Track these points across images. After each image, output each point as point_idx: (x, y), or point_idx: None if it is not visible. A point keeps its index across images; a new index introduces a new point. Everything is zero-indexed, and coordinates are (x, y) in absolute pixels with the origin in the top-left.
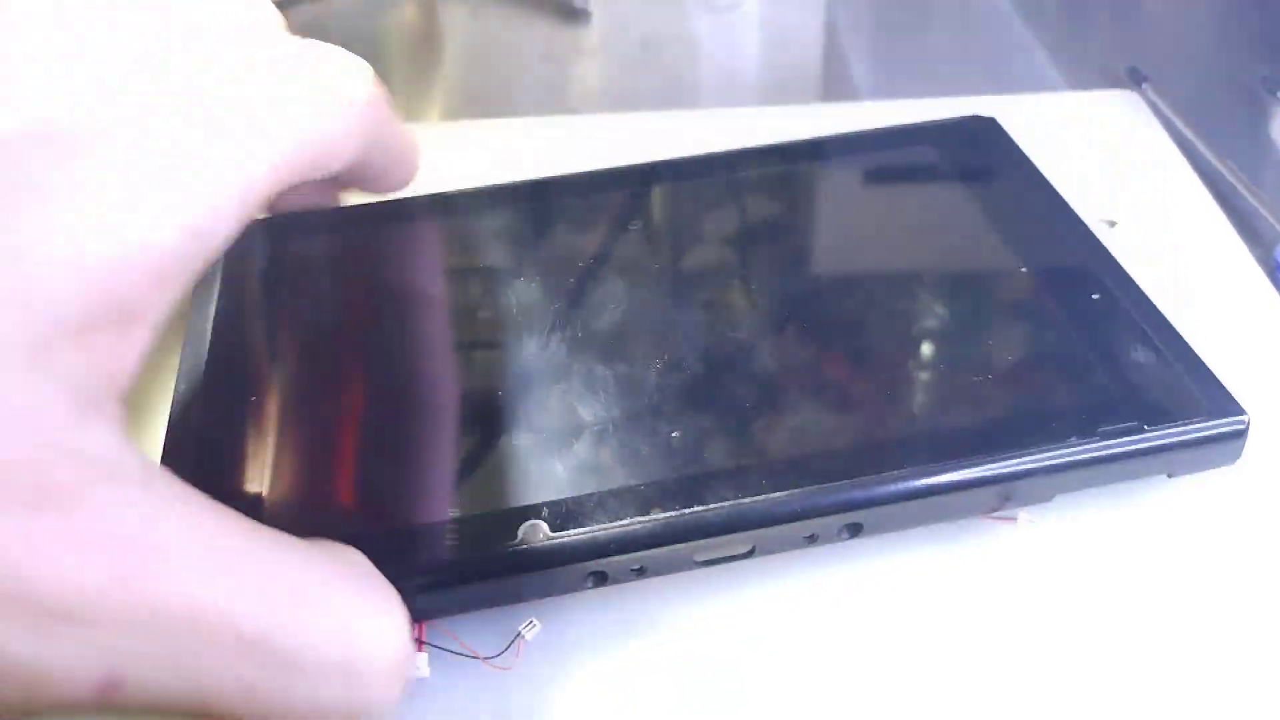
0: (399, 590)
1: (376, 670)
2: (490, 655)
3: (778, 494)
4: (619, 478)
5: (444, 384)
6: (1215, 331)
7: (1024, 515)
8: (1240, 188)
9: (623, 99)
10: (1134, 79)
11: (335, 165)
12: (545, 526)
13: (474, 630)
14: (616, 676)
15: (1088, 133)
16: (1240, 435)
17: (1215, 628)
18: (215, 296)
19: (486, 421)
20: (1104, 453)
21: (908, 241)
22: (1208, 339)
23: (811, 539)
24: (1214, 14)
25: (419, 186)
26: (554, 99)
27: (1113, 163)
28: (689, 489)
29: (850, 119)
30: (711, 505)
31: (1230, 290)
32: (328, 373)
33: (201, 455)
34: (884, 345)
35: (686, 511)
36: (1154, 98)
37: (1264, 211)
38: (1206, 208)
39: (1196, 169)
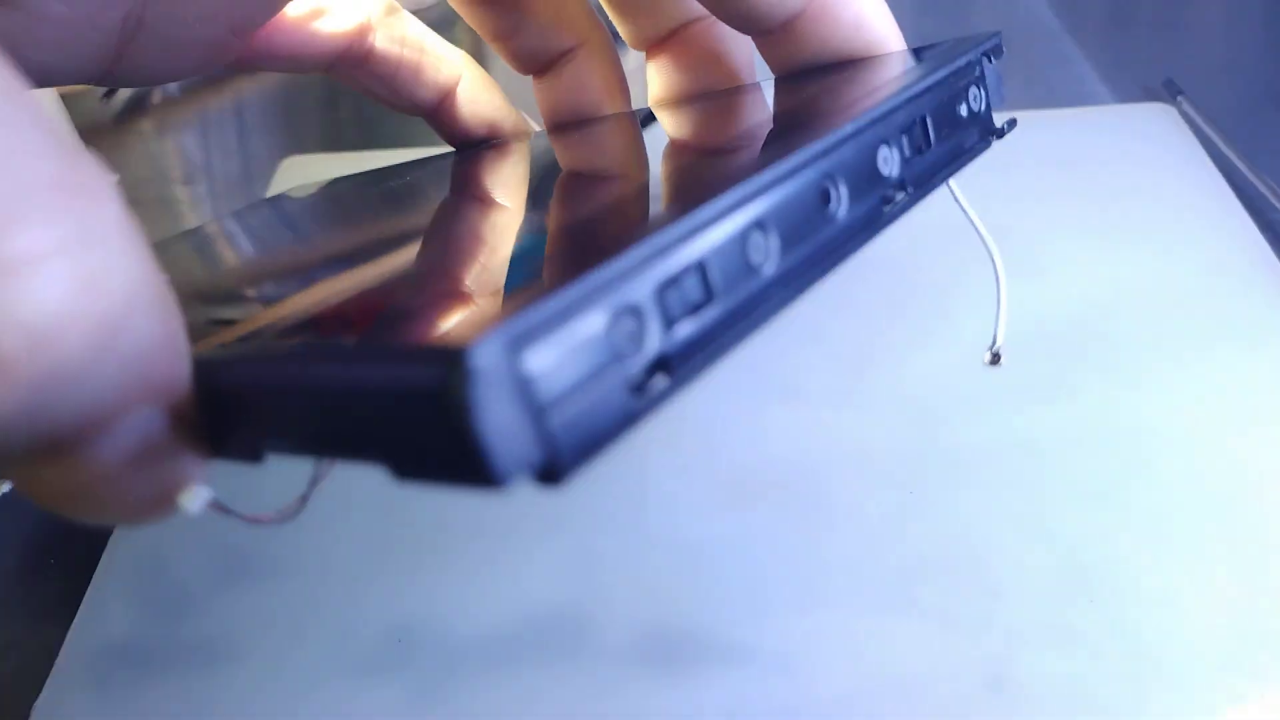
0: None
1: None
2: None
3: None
4: None
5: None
6: (1246, 342)
7: None
8: (1274, 200)
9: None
10: (1170, 92)
11: None
12: None
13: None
14: None
15: (1122, 146)
16: None
17: None
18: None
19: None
20: None
21: None
22: (1238, 350)
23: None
24: (1254, 27)
25: None
26: None
27: (1146, 176)
28: None
29: None
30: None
31: (1263, 303)
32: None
33: None
34: None
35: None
36: (1189, 110)
37: None
38: (1239, 220)
39: (1230, 182)
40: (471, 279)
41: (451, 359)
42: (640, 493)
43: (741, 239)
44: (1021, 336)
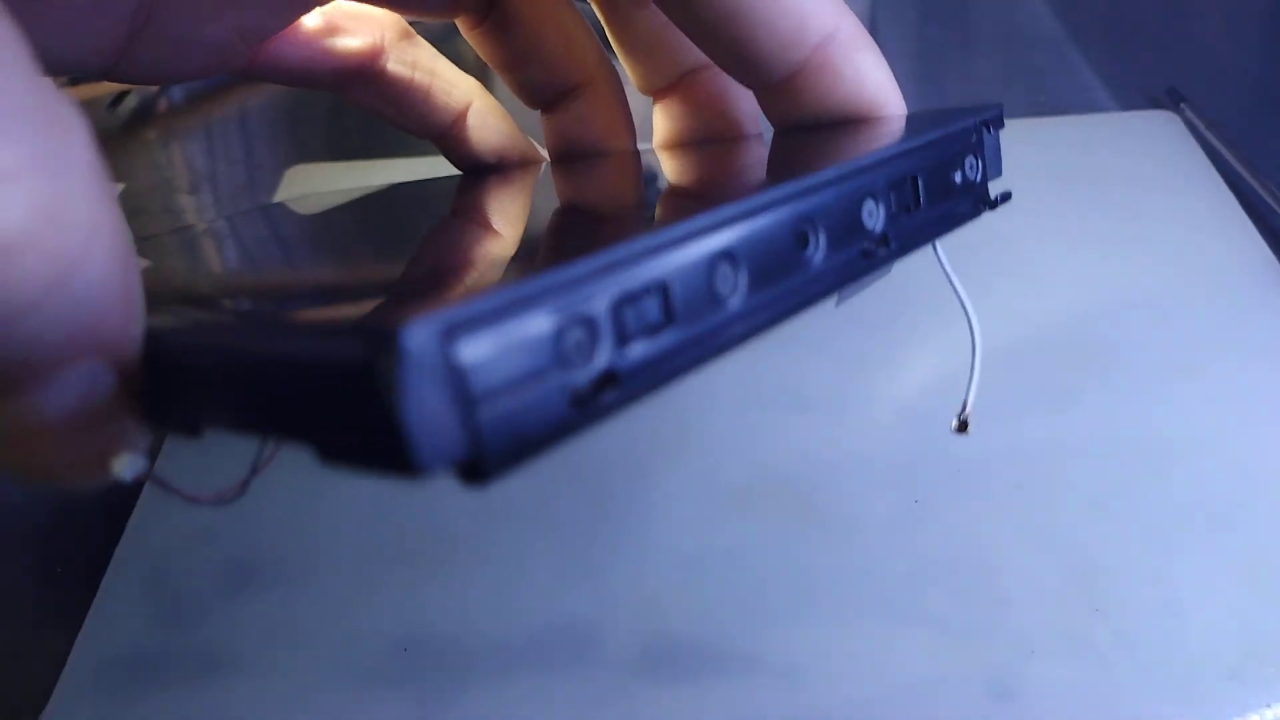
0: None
1: None
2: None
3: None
4: None
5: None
6: (1250, 349)
7: None
8: (1277, 207)
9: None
10: (1173, 99)
11: None
12: None
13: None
14: None
15: (1125, 153)
16: None
17: None
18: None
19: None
20: None
21: None
22: (1242, 357)
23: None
24: (1256, 34)
25: None
26: None
27: (1149, 183)
28: None
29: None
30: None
31: (1266, 309)
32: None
33: None
34: None
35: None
36: (1192, 118)
37: None
38: (1242, 226)
39: (1233, 188)
40: (427, 277)
41: (381, 338)
42: (644, 502)
43: (709, 267)
44: (1025, 344)
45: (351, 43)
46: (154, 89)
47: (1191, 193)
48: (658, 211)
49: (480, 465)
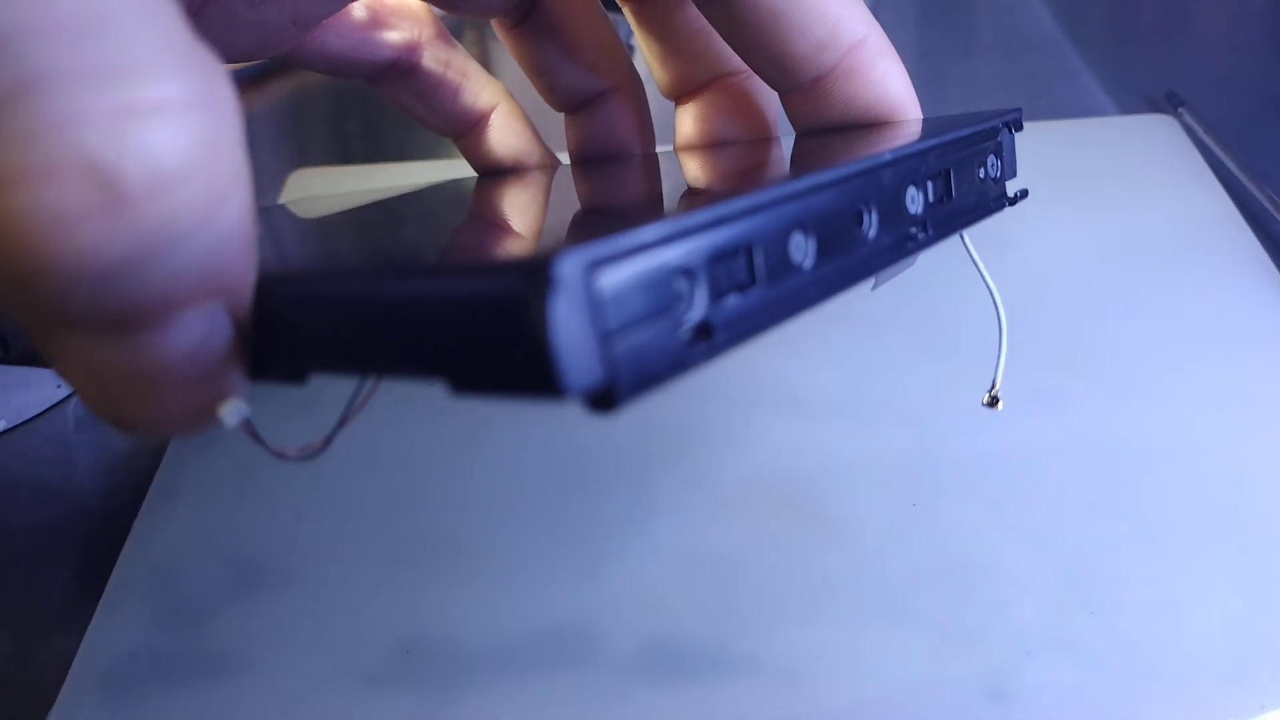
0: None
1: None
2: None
3: None
4: None
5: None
6: (1246, 352)
7: None
8: (1274, 211)
9: (664, 133)
10: (1171, 103)
11: None
12: None
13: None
14: None
15: (1123, 157)
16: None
17: None
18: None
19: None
20: None
21: None
22: (1239, 360)
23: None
24: (1256, 38)
25: None
26: None
27: (1147, 186)
28: None
29: None
30: None
31: (1262, 312)
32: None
33: None
34: None
35: None
36: (1190, 121)
37: None
38: (1240, 230)
39: (1230, 192)
40: (544, 230)
41: (535, 269)
42: (646, 505)
43: (785, 233)
44: (1020, 347)
45: (393, 36)
46: None
47: (1189, 196)
48: (733, 178)
49: (612, 392)
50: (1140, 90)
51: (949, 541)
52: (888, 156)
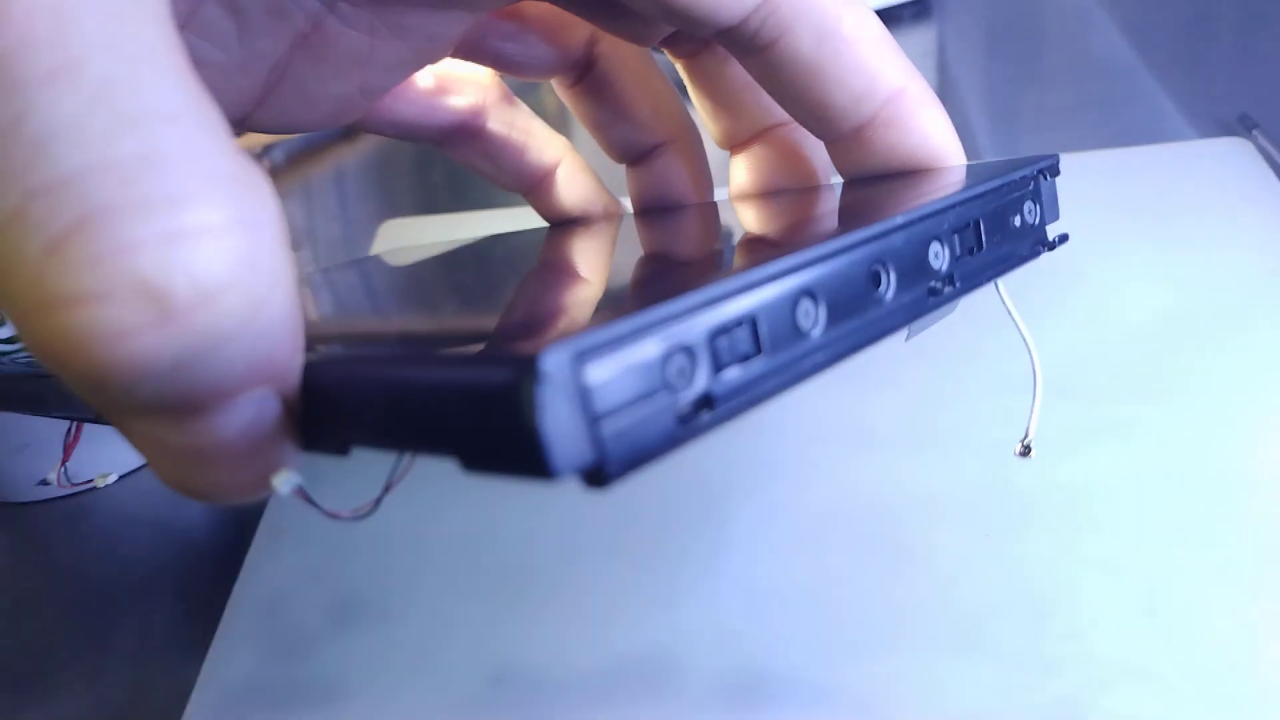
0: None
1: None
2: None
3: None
4: None
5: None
6: None
7: None
8: None
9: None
10: (1245, 125)
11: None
12: None
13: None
14: None
15: (1195, 182)
16: None
17: None
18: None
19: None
20: None
21: None
22: None
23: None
24: None
25: None
26: None
27: (1220, 212)
28: None
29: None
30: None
31: None
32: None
33: None
34: None
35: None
36: (1265, 144)
37: None
38: None
39: None
40: (546, 313)
41: (524, 363)
42: (723, 538)
43: (792, 302)
44: (1096, 376)
45: (458, 101)
46: (257, 152)
47: (1263, 221)
48: (746, 253)
49: (603, 471)
50: (1215, 113)
51: (1023, 571)
52: (899, 220)
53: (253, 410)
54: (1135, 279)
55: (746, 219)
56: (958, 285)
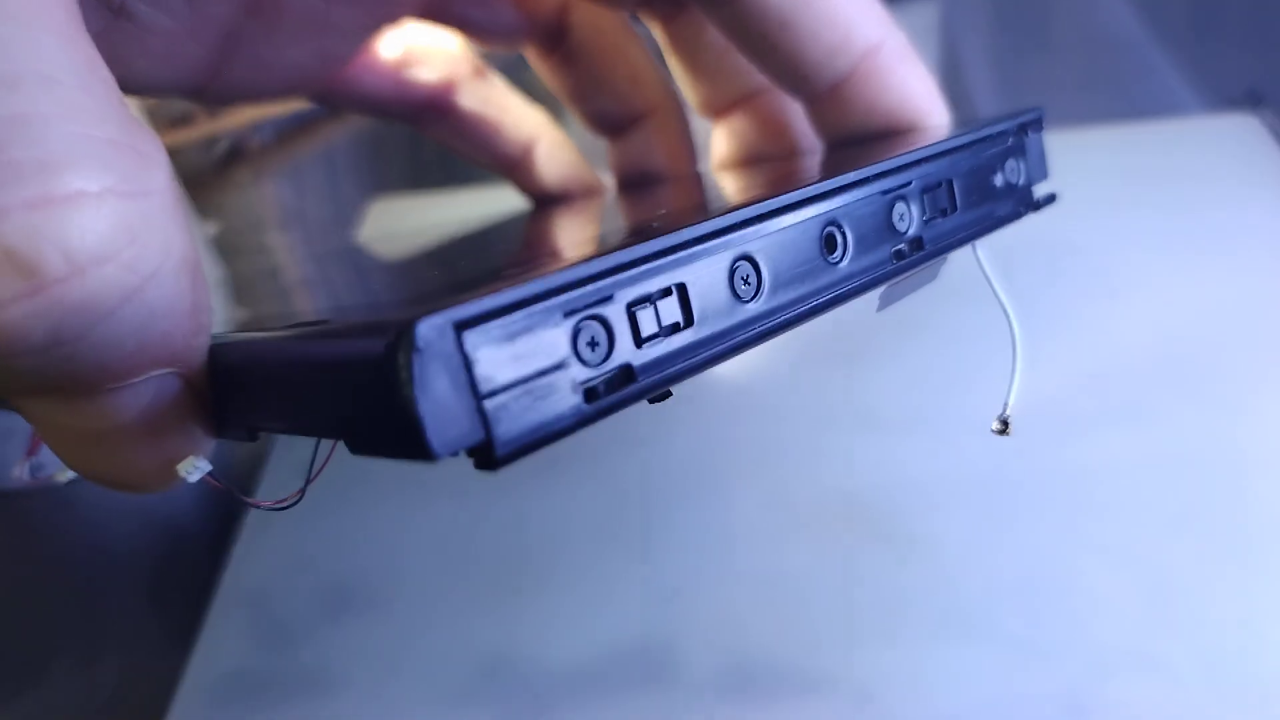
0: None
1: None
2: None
3: None
4: None
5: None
6: None
7: None
8: None
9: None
10: (1252, 100)
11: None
12: None
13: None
14: None
15: (1202, 158)
16: None
17: None
18: None
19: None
20: None
21: None
22: None
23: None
24: None
25: None
26: None
27: (1227, 188)
28: None
29: None
30: None
31: None
32: None
33: None
34: None
35: None
36: (1273, 120)
37: None
38: None
39: None
40: (451, 285)
41: (396, 332)
42: (724, 524)
43: (728, 268)
44: (1101, 357)
45: (426, 75)
46: (247, 130)
47: (1270, 198)
48: (682, 217)
49: (490, 451)
50: (1224, 88)
51: (1027, 558)
52: (853, 177)
53: (150, 392)
54: (1142, 258)
55: (709, 188)
56: (927, 249)
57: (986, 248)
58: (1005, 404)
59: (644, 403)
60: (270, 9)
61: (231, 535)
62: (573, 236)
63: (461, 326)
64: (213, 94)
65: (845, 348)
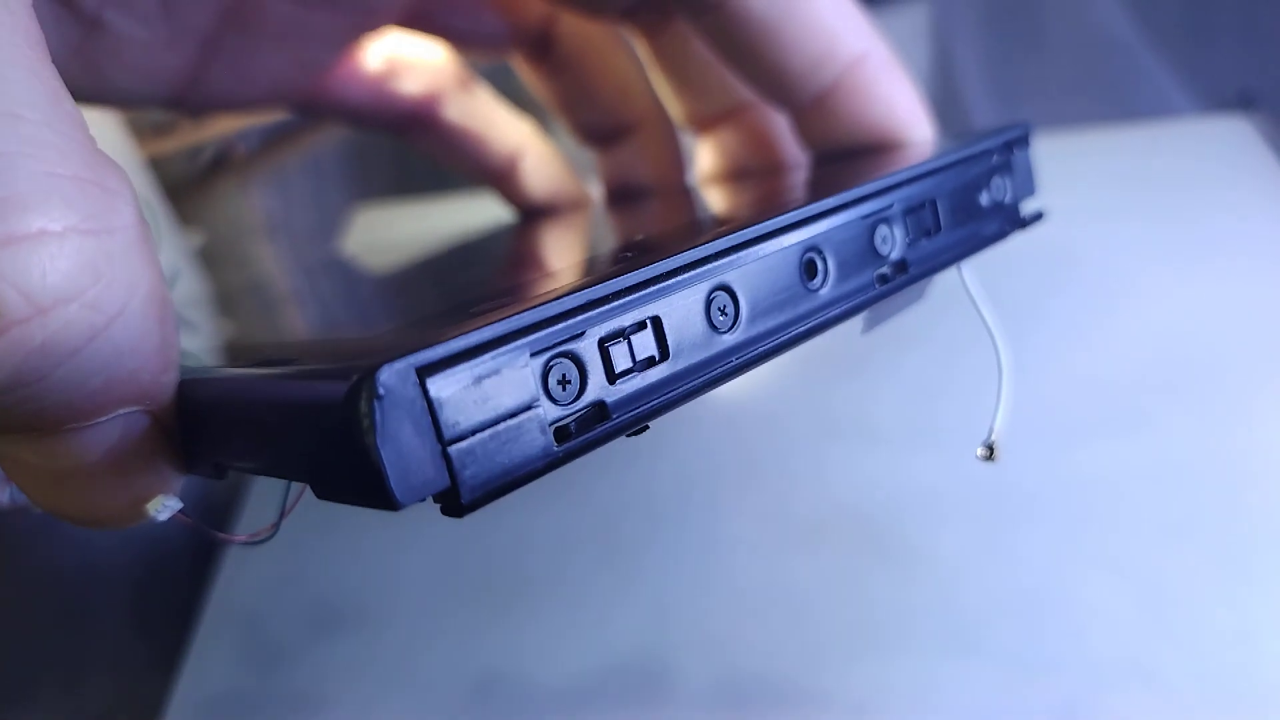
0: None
1: None
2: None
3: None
4: None
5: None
6: None
7: None
8: None
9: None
10: (1243, 103)
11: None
12: None
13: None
14: None
15: (1193, 160)
16: None
17: None
18: None
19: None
20: None
21: None
22: None
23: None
24: None
25: None
26: None
27: (1218, 191)
28: None
29: None
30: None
31: None
32: None
33: None
34: None
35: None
36: (1263, 122)
37: None
38: None
39: None
40: (421, 322)
41: (357, 377)
42: (717, 538)
43: (704, 299)
44: (1094, 366)
45: (410, 87)
46: (232, 138)
47: (1261, 201)
48: (658, 245)
49: (457, 498)
50: (1215, 89)
51: (1023, 570)
52: (832, 202)
53: (117, 430)
54: (1132, 266)
55: (693, 208)
56: (912, 272)
57: (975, 261)
58: (991, 429)
59: (622, 437)
60: (248, 17)
61: (220, 553)
62: (548, 263)
63: (425, 371)
64: (192, 104)
65: (845, 359)
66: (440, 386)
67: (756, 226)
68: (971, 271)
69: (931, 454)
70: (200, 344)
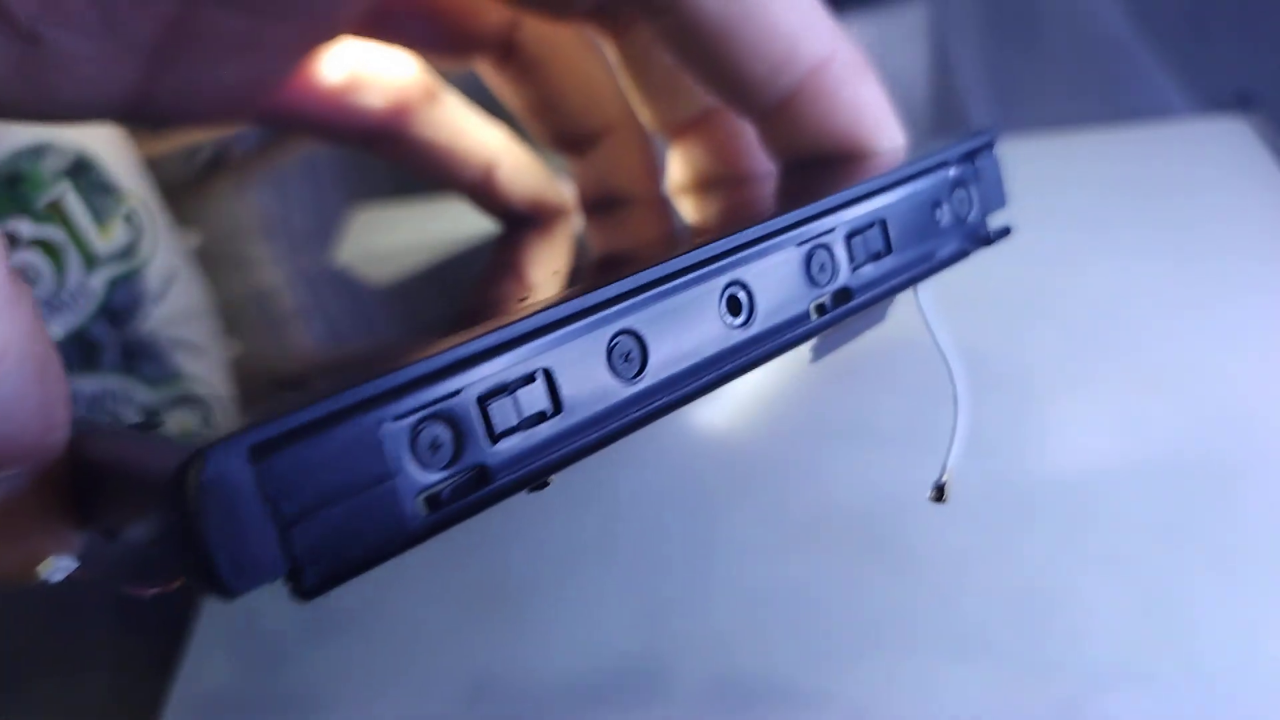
0: None
1: None
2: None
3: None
4: None
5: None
6: None
7: None
8: None
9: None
10: (1241, 104)
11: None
12: None
13: None
14: None
15: (1191, 162)
16: None
17: None
18: None
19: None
20: None
21: None
22: None
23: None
24: None
25: None
26: None
27: (1217, 192)
28: None
29: None
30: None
31: None
32: None
33: None
34: None
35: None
36: (1261, 122)
37: None
38: None
39: None
40: (293, 386)
41: (185, 458)
42: (713, 540)
43: (604, 347)
44: (1088, 366)
45: (373, 101)
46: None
47: (1259, 202)
48: (565, 285)
49: (300, 583)
50: (1213, 90)
51: (1021, 571)
52: (753, 233)
53: None
54: (1130, 267)
55: (635, 231)
56: (857, 300)
57: (975, 262)
58: (944, 466)
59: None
60: (195, 28)
61: None
62: (458, 307)
63: (259, 450)
64: (145, 117)
65: (841, 360)
66: (277, 466)
67: (666, 264)
68: (929, 294)
69: (931, 454)
70: (203, 367)
